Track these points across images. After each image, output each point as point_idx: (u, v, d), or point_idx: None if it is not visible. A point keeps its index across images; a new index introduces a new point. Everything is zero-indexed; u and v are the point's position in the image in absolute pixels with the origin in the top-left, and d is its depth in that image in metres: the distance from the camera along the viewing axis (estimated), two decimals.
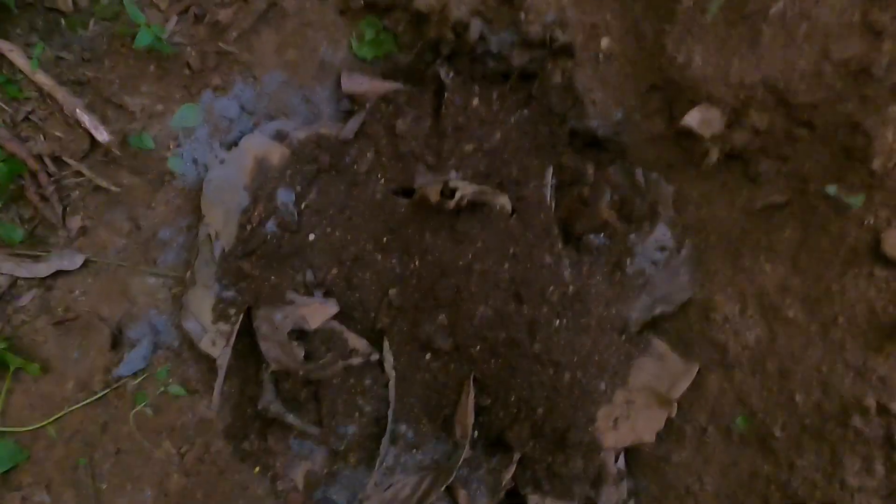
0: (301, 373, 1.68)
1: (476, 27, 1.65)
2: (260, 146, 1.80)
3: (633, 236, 1.76)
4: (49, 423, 1.59)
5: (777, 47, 1.37)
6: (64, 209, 1.65)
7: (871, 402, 1.30)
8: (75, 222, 1.65)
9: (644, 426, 1.58)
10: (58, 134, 1.62)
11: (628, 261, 1.74)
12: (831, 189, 1.39)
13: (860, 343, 1.35)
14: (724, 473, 1.51)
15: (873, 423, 1.30)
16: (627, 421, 1.60)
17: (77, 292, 1.64)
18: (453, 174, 1.69)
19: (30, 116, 1.62)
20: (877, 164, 1.29)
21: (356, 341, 1.70)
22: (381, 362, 1.71)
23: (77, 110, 1.61)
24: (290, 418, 1.68)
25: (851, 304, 1.37)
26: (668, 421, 1.59)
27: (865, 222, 1.34)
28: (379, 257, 1.76)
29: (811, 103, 1.39)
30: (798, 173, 1.49)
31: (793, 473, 1.40)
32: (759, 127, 1.48)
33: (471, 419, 1.62)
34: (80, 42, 1.67)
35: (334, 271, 1.78)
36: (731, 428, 1.54)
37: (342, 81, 1.86)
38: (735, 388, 1.54)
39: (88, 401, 1.61)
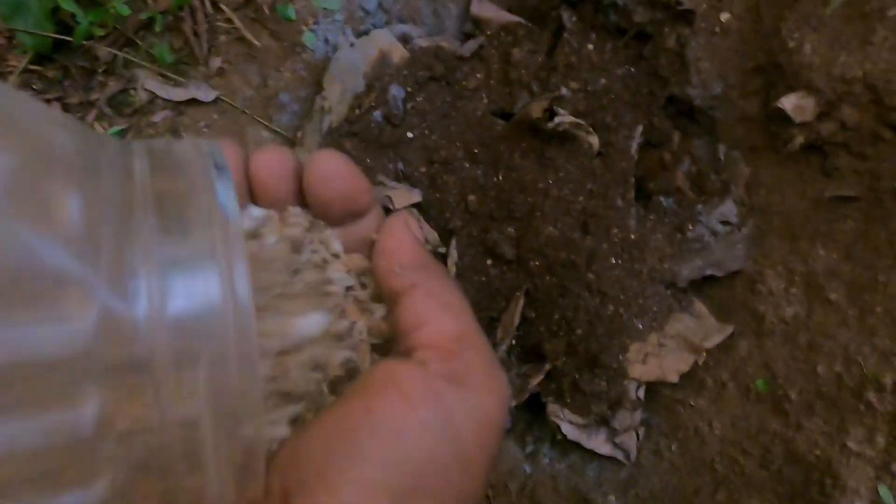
0: None
1: None
2: (386, 41, 1.98)
3: (700, 206, 1.90)
4: None
5: (885, 47, 1.49)
6: (209, 49, 1.85)
7: (888, 380, 1.41)
8: (216, 63, 1.85)
9: (670, 366, 1.71)
10: None
11: (690, 226, 1.87)
12: None
13: (892, 332, 1.46)
14: (734, 423, 1.64)
15: (886, 400, 1.41)
16: (656, 359, 1.73)
17: (202, 123, 1.84)
18: (564, 90, 1.84)
19: None
20: None
21: (429, 232, 1.86)
22: (445, 256, 1.88)
23: None
24: None
25: (893, 297, 1.48)
26: (693, 370, 1.72)
27: None
28: (466, 165, 1.92)
29: None
30: (873, 173, 1.60)
31: (798, 432, 1.52)
32: (847, 121, 1.60)
33: (515, 323, 1.78)
34: None
35: (423, 169, 1.95)
36: (750, 388, 1.66)
37: (472, 5, 2.02)
38: (763, 354, 1.67)
39: None
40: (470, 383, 0.51)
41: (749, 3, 1.69)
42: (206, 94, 1.81)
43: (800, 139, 1.69)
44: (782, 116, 1.68)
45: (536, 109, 1.75)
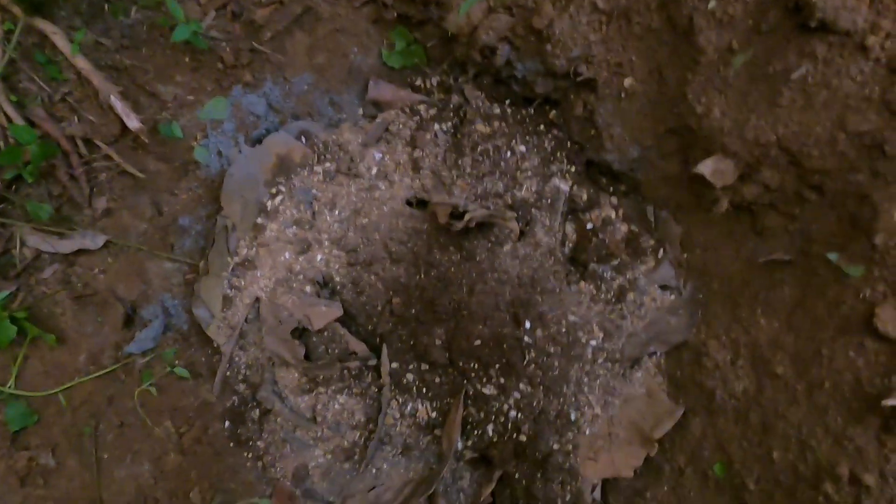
0: (300, 369, 1.75)
1: (503, 53, 1.67)
2: (283, 143, 1.85)
3: (639, 272, 1.79)
4: (60, 391, 1.68)
5: (795, 110, 1.38)
6: (91, 190, 1.73)
7: (844, 470, 1.32)
8: (101, 203, 1.73)
9: (623, 461, 1.62)
10: (91, 117, 1.69)
11: (630, 295, 1.77)
12: (833, 256, 1.40)
13: (842, 410, 1.37)
14: None
15: (844, 492, 1.32)
16: (608, 454, 1.64)
17: (97, 270, 1.72)
18: (462, 201, 1.72)
19: (66, 98, 1.69)
20: (879, 238, 1.30)
21: (356, 345, 1.76)
22: (378, 367, 1.77)
23: (111, 96, 1.67)
24: (286, 412, 1.75)
25: (839, 371, 1.39)
26: (648, 458, 1.63)
27: (862, 294, 1.35)
28: (387, 264, 1.81)
29: (823, 169, 1.39)
30: (804, 233, 1.50)
31: None
32: (770, 184, 1.49)
33: (458, 433, 1.68)
34: (121, 29, 1.73)
35: (343, 271, 1.83)
36: (707, 473, 1.57)
37: (369, 88, 1.90)
38: (717, 435, 1.58)
39: (98, 374, 1.70)
40: None
41: (650, 66, 1.57)
42: (93, 241, 1.69)
43: (725, 203, 1.59)
44: (704, 180, 1.57)
45: (442, 215, 1.64)
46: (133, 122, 1.68)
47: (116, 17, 1.72)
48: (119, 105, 1.67)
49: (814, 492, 1.37)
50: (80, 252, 1.70)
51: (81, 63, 1.67)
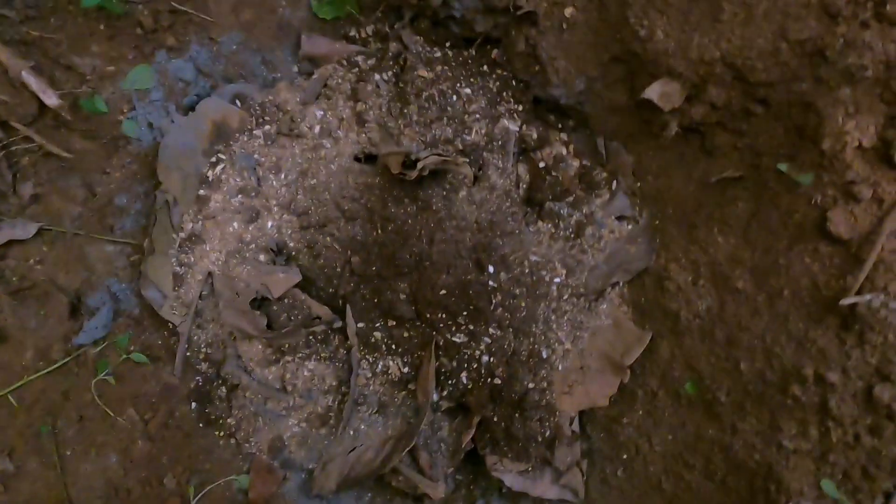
0: (264, 340, 1.70)
1: None
2: (218, 109, 1.76)
3: (594, 205, 1.80)
4: (8, 391, 1.59)
5: (737, 24, 1.38)
6: (14, 176, 1.61)
7: (809, 371, 1.37)
8: (27, 189, 1.61)
9: (598, 391, 1.65)
10: (3, 97, 1.56)
11: (589, 229, 1.78)
12: (783, 166, 1.43)
13: (803, 315, 1.42)
14: (673, 434, 1.59)
15: (810, 391, 1.37)
16: (582, 386, 1.66)
17: (32, 261, 1.62)
18: (414, 147, 1.68)
19: None
20: (826, 144, 1.33)
21: (319, 308, 1.71)
22: (343, 329, 1.74)
23: (23, 72, 1.54)
24: (255, 385, 1.70)
25: (797, 278, 1.43)
26: (621, 385, 1.66)
27: (813, 200, 1.38)
28: (341, 224, 1.75)
29: (767, 81, 1.41)
30: (753, 148, 1.52)
31: (735, 436, 1.48)
32: (716, 102, 1.50)
33: (432, 384, 1.67)
34: None
35: (297, 236, 1.77)
36: (680, 392, 1.61)
37: (302, 43, 1.81)
38: (685, 355, 1.61)
39: (48, 370, 1.61)
40: None
41: None
42: (24, 230, 1.58)
43: (674, 126, 1.60)
44: (651, 105, 1.57)
45: (394, 165, 1.59)
46: (51, 99, 1.56)
47: None
48: (33, 81, 1.55)
49: (782, 395, 1.42)
50: (11, 243, 1.59)
51: None
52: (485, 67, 1.78)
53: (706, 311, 1.59)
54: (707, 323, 1.58)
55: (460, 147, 1.75)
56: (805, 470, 1.37)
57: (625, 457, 1.65)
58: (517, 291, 1.70)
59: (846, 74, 1.28)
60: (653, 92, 1.54)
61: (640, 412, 1.66)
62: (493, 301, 1.68)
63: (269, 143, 1.80)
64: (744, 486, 1.45)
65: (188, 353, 1.72)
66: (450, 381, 1.71)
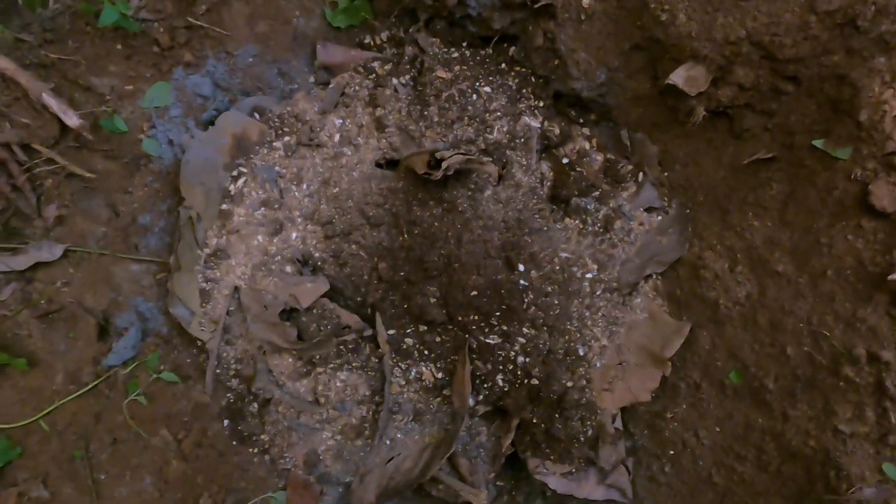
0: (294, 352, 1.67)
1: None
2: (237, 123, 1.75)
3: (621, 198, 1.77)
4: (40, 417, 1.56)
5: (762, 1, 1.36)
6: (38, 198, 1.60)
7: (861, 351, 1.33)
8: (51, 211, 1.60)
9: (639, 386, 1.60)
10: (25, 120, 1.56)
11: (617, 223, 1.74)
12: (818, 142, 1.39)
13: (849, 294, 1.37)
14: (720, 427, 1.54)
15: (864, 372, 1.32)
16: (623, 381, 1.62)
17: (59, 283, 1.60)
18: (440, 144, 1.66)
19: None
20: (864, 116, 1.30)
21: (348, 317, 1.68)
22: (374, 337, 1.71)
23: (43, 94, 1.54)
24: (287, 399, 1.67)
25: (840, 256, 1.39)
26: (663, 379, 1.62)
27: (853, 175, 1.34)
28: (366, 230, 1.73)
29: (797, 57, 1.38)
30: (784, 128, 1.49)
31: (786, 424, 1.43)
32: (744, 83, 1.48)
33: (468, 389, 1.63)
34: (41, 22, 1.59)
35: (322, 246, 1.75)
36: (724, 382, 1.56)
37: (318, 53, 1.80)
38: (726, 344, 1.57)
39: (79, 393, 1.59)
40: None
41: None
42: (50, 252, 1.57)
43: (701, 110, 1.57)
44: (676, 91, 1.55)
45: (419, 166, 1.57)
46: (72, 119, 1.56)
47: (33, 9, 1.59)
48: (54, 103, 1.54)
49: (834, 378, 1.37)
50: (38, 266, 1.58)
51: (3, 63, 1.53)
52: (503, 65, 1.77)
53: (746, 297, 1.54)
54: (748, 309, 1.54)
55: (483, 146, 1.73)
56: (864, 454, 1.32)
57: (671, 452, 1.60)
58: (549, 289, 1.66)
59: (880, 43, 1.25)
60: (678, 77, 1.51)
61: (684, 406, 1.61)
62: (526, 300, 1.64)
63: (290, 154, 1.79)
64: (801, 475, 1.39)
65: (218, 370, 1.69)
66: (485, 385, 1.67)
